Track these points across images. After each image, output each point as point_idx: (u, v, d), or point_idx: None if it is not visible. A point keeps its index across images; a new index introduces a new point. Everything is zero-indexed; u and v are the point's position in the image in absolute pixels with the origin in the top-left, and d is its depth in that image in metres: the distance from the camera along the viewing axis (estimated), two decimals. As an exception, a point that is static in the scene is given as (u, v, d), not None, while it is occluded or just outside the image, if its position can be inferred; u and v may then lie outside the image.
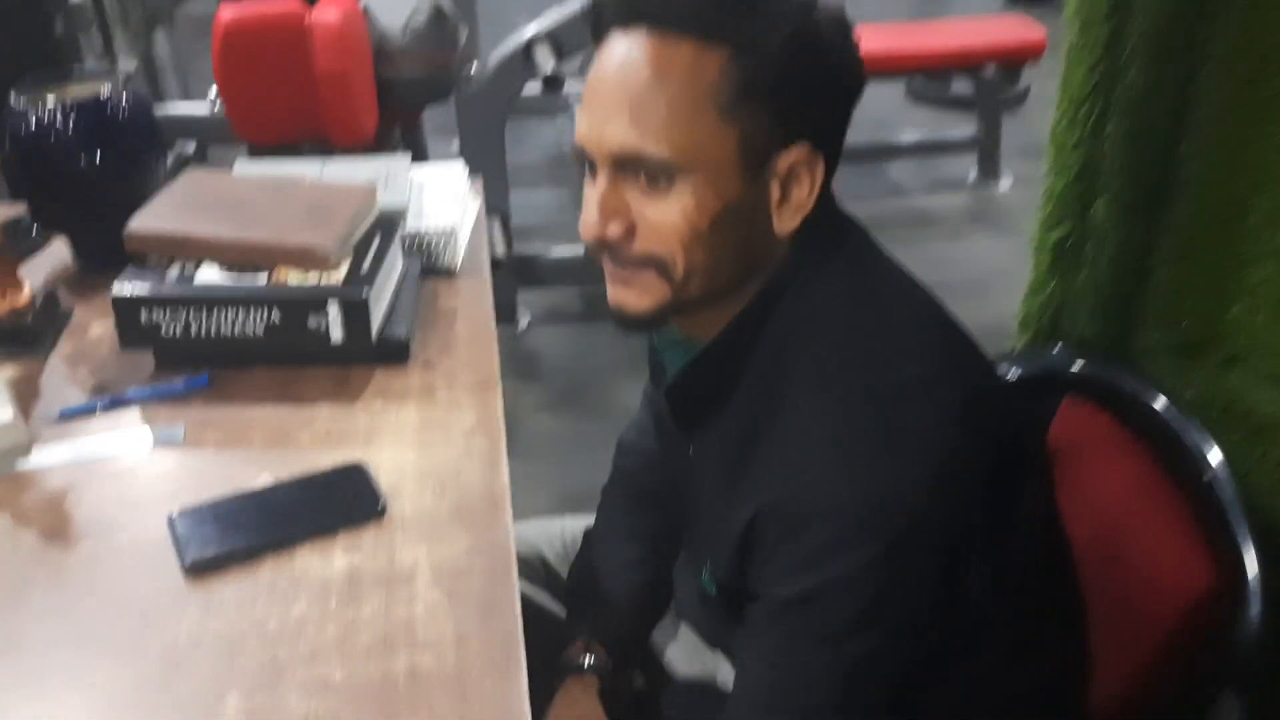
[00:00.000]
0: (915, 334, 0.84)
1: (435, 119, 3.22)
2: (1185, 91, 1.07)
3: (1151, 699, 0.96)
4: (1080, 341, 1.22)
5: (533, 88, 2.72)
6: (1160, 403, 1.05)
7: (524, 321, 2.94)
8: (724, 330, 0.85)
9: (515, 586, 0.89)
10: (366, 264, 1.18)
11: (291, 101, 2.14)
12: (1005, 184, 3.59)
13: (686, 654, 1.10)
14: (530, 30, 2.53)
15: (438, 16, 2.27)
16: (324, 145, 2.27)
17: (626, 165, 0.79)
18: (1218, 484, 0.98)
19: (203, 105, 3.16)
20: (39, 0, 2.40)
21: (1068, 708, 0.97)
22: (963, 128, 3.75)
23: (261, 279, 1.14)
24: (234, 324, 1.12)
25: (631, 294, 0.83)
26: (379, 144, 2.37)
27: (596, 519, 1.19)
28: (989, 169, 3.61)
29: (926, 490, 0.76)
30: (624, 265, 0.82)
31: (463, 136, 2.77)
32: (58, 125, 1.21)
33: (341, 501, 0.98)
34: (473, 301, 1.33)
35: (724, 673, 1.05)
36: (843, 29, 0.80)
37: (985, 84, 3.48)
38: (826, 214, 0.84)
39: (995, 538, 0.82)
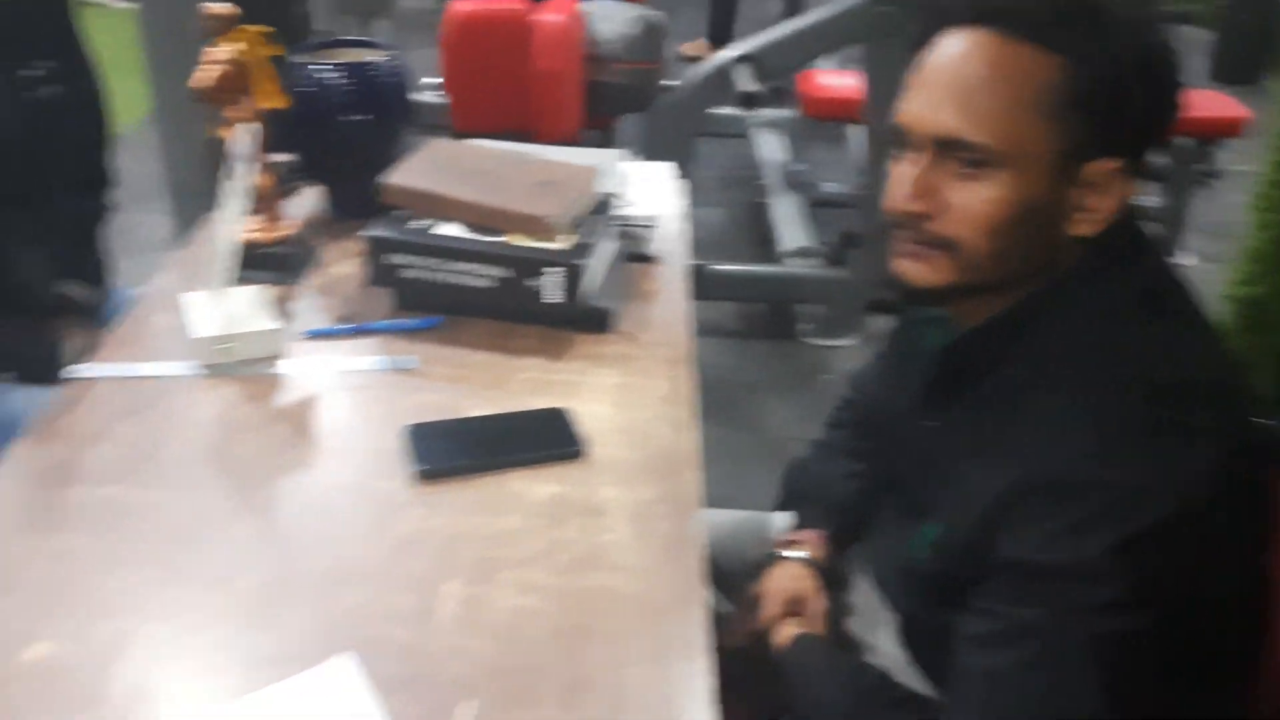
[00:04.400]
0: (1205, 349, 0.88)
1: (628, 133, 3.36)
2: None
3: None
4: (1262, 399, 1.24)
5: (718, 110, 2.83)
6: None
7: (684, 330, 3.04)
8: (1007, 310, 0.90)
9: (700, 535, 0.98)
10: (584, 238, 1.29)
11: (508, 94, 2.31)
12: (1188, 259, 3.51)
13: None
14: (734, 51, 2.64)
15: (650, 29, 2.41)
16: (528, 139, 2.43)
17: (946, 149, 0.86)
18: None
19: (420, 93, 3.41)
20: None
21: None
22: (1153, 198, 3.68)
23: (494, 239, 1.27)
24: (467, 275, 1.25)
25: (921, 269, 0.90)
26: (576, 145, 2.52)
27: (824, 434, 1.28)
28: (1172, 242, 3.54)
29: (1195, 484, 0.80)
30: (918, 241, 0.89)
31: (652, 148, 2.90)
32: (334, 83, 1.37)
33: (548, 438, 1.09)
34: (671, 287, 1.43)
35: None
36: (1172, 59, 0.86)
37: (1180, 156, 3.42)
38: (1125, 230, 0.88)
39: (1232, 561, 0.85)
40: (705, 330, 3.08)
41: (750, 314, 3.19)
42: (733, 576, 1.28)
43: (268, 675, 0.79)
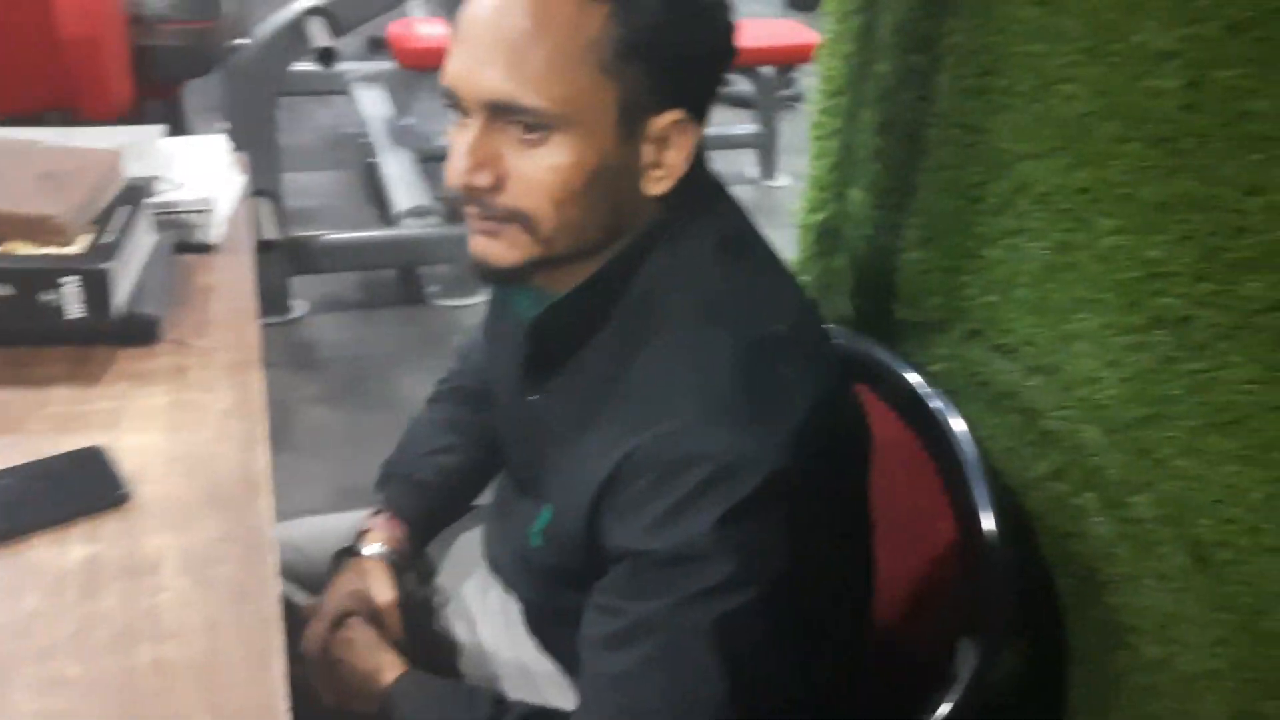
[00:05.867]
0: (784, 293, 0.86)
1: (205, 99, 3.04)
2: (930, 82, 1.14)
3: (900, 645, 1.02)
4: (840, 319, 1.29)
5: (308, 67, 2.62)
6: (910, 375, 1.12)
7: (299, 309, 2.82)
8: (590, 278, 0.84)
9: (274, 572, 0.85)
10: (110, 236, 1.09)
11: (32, 67, 1.97)
12: (783, 180, 3.74)
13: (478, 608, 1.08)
14: (304, 3, 2.43)
15: (200, -16, 2.15)
16: (71, 116, 2.10)
17: (501, 113, 0.77)
18: (960, 448, 1.05)
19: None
20: None
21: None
22: (746, 125, 3.88)
23: (-13, 251, 1.04)
24: (-46, 299, 1.02)
25: (497, 247, 0.81)
26: (136, 119, 2.22)
27: (423, 410, 1.18)
28: (768, 166, 3.76)
29: (793, 442, 0.76)
30: (490, 217, 0.80)
31: (230, 113, 2.62)
32: None
33: (78, 489, 0.90)
34: (233, 279, 1.26)
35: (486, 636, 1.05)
36: (722, 1, 0.81)
37: (764, 84, 3.62)
38: (698, 179, 0.84)
39: (841, 502, 0.85)
40: (325, 306, 2.89)
41: (375, 282, 3.02)
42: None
43: None
